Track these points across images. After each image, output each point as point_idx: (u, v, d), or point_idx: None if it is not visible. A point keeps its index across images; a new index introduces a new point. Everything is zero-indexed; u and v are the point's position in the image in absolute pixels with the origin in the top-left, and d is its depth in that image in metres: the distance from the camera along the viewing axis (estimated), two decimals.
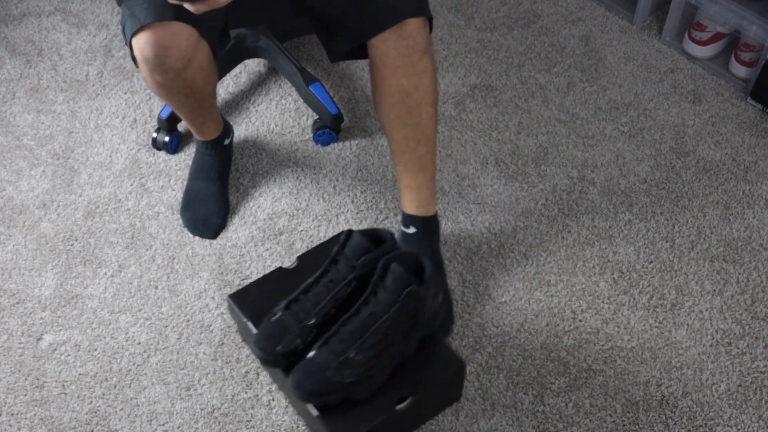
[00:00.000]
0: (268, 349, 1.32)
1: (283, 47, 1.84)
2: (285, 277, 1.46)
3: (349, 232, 1.35)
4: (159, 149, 1.79)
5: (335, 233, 1.66)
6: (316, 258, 1.46)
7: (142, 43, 1.34)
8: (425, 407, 1.37)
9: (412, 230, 1.52)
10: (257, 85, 1.95)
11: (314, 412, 1.29)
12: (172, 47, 1.34)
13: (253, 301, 1.43)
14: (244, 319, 1.41)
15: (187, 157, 1.79)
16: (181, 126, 1.83)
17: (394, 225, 1.68)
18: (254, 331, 1.37)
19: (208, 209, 1.68)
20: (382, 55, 1.37)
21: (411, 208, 1.51)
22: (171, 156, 1.79)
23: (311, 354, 1.29)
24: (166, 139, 1.77)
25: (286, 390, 1.40)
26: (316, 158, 1.80)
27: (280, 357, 1.33)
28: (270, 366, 1.36)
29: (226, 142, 1.72)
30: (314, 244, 1.64)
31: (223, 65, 1.83)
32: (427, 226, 1.52)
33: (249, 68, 1.97)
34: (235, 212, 1.70)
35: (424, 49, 1.38)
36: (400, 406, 1.31)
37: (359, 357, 1.27)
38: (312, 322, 1.32)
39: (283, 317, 1.34)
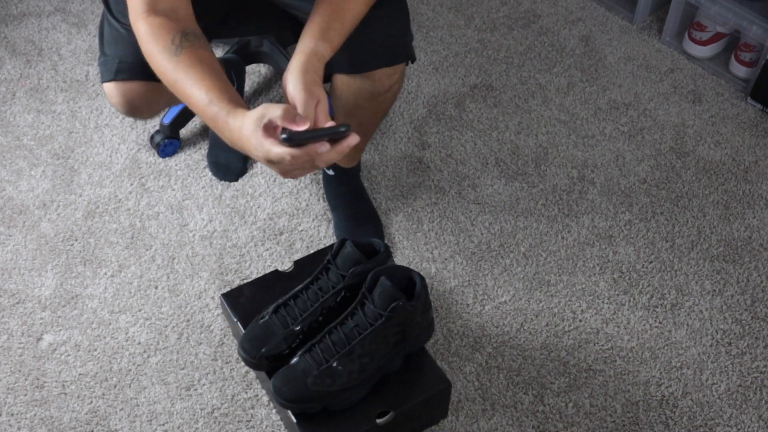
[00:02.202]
0: (252, 351, 1.32)
1: (285, 52, 1.84)
2: (279, 281, 1.46)
3: (343, 240, 1.35)
4: (154, 147, 1.78)
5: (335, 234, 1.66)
6: (312, 263, 1.46)
7: (111, 94, 1.36)
8: (407, 423, 1.36)
9: (330, 171, 1.66)
10: (261, 89, 1.95)
11: (293, 418, 1.29)
12: (140, 106, 1.37)
13: (244, 301, 1.44)
14: (234, 319, 1.41)
15: (187, 157, 1.79)
16: (185, 131, 1.82)
17: (395, 227, 1.68)
18: (243, 331, 1.38)
19: (230, 155, 1.75)
20: (345, 85, 1.41)
21: None
22: (171, 156, 1.79)
23: (294, 360, 1.30)
24: (162, 142, 1.76)
25: (269, 392, 1.40)
26: None
27: (264, 360, 1.33)
28: (253, 368, 1.37)
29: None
30: (314, 245, 1.64)
31: None
32: (344, 171, 1.66)
33: (252, 71, 1.97)
34: (235, 212, 1.70)
35: (389, 88, 1.41)
36: (380, 421, 1.30)
37: (341, 368, 1.27)
38: (298, 328, 1.32)
39: (270, 321, 1.34)
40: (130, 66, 1.32)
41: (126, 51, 1.32)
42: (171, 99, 1.44)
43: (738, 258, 1.64)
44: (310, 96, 1.09)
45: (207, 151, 1.79)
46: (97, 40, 1.42)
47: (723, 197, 1.74)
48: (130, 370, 1.47)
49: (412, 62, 1.42)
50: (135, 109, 1.38)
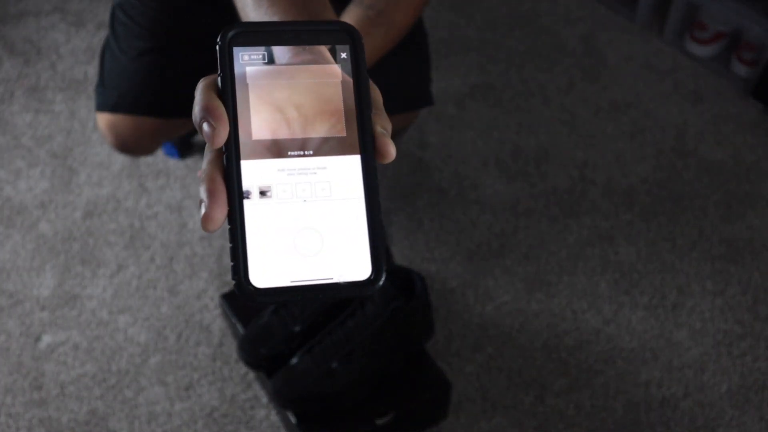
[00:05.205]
0: (251, 351, 1.32)
1: None
2: None
3: None
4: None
5: None
6: None
7: (104, 127, 1.33)
8: (407, 424, 1.35)
9: None
10: None
11: (293, 419, 1.29)
12: (133, 142, 1.34)
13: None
14: (234, 320, 1.41)
15: (186, 157, 1.79)
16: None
17: (395, 227, 1.68)
18: (242, 332, 1.37)
19: None
20: None
21: None
22: (170, 156, 1.79)
23: (294, 361, 1.29)
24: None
25: (269, 393, 1.40)
26: None
27: (263, 360, 1.32)
28: (253, 369, 1.36)
29: None
30: None
31: None
32: None
33: None
34: None
35: (403, 127, 1.39)
36: (380, 421, 1.30)
37: (341, 368, 1.27)
38: (297, 328, 1.32)
39: (269, 321, 1.33)
40: (130, 100, 1.30)
41: (127, 84, 1.30)
42: (168, 136, 1.43)
43: (739, 258, 1.63)
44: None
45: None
46: (97, 65, 1.39)
47: (724, 197, 1.73)
48: (129, 370, 1.47)
49: (430, 105, 1.39)
50: (127, 146, 1.35)
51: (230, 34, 0.47)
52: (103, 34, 2.04)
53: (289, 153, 0.46)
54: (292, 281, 0.45)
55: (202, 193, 0.46)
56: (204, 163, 0.47)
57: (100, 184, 1.74)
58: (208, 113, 0.46)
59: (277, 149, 0.47)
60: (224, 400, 1.43)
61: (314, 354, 1.28)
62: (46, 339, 1.51)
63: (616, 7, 2.13)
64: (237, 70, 0.47)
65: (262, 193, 0.46)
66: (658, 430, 1.41)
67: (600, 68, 2.00)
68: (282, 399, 1.27)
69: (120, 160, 1.78)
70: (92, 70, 1.95)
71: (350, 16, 1.14)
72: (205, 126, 0.46)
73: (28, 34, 2.04)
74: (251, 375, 1.46)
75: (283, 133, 0.47)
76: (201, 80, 0.48)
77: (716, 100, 1.93)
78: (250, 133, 0.46)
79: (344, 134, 0.47)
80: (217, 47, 0.48)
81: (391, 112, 1.46)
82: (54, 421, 1.41)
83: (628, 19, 2.11)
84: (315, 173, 0.47)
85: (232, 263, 0.46)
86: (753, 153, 1.82)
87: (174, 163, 1.77)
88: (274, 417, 1.41)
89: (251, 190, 0.46)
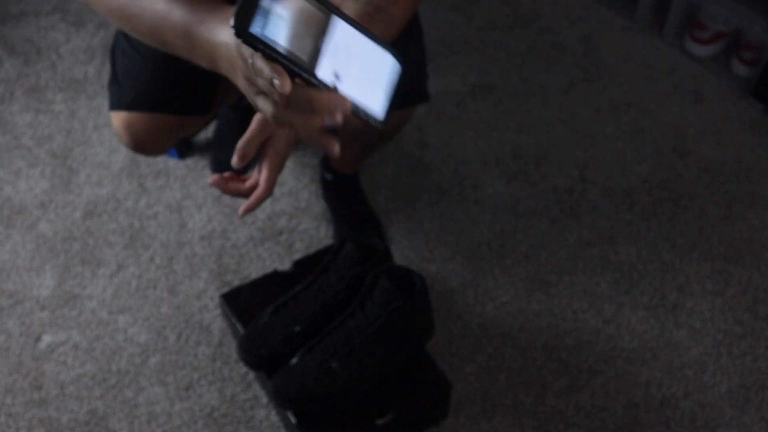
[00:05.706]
0: (251, 351, 1.32)
1: None
2: (279, 281, 1.46)
3: (343, 240, 1.34)
4: None
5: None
6: (312, 264, 1.45)
7: (121, 126, 1.32)
8: (407, 424, 1.35)
9: (329, 177, 1.66)
10: None
11: (293, 419, 1.29)
12: (146, 143, 1.33)
13: (244, 302, 1.43)
14: (233, 320, 1.41)
15: (186, 158, 1.79)
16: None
17: (394, 227, 1.68)
18: (242, 332, 1.37)
19: (232, 153, 1.71)
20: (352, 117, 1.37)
21: (333, 163, 1.64)
22: (169, 156, 1.79)
23: (293, 361, 1.29)
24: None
25: (269, 393, 1.40)
26: (316, 158, 1.79)
27: (263, 360, 1.32)
28: (253, 369, 1.36)
29: (244, 102, 1.69)
30: (314, 245, 1.64)
31: None
32: (343, 176, 1.65)
33: None
34: (234, 212, 1.69)
35: (399, 125, 1.38)
36: (380, 421, 1.30)
37: (341, 368, 1.26)
38: (297, 328, 1.32)
39: (269, 321, 1.33)
40: (147, 98, 1.29)
41: (142, 82, 1.30)
42: (182, 134, 1.43)
43: (739, 258, 1.63)
44: (260, 128, 1.01)
45: (210, 149, 1.78)
46: (108, 64, 1.38)
47: (724, 197, 1.73)
48: (129, 370, 1.47)
49: (426, 102, 1.37)
50: (143, 144, 1.35)
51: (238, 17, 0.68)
52: (104, 34, 2.04)
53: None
54: None
55: (268, 74, 0.70)
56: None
57: (100, 184, 1.74)
58: (275, 73, 0.69)
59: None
60: (224, 400, 1.43)
61: (314, 354, 1.28)
62: (46, 339, 1.51)
63: (616, 7, 2.13)
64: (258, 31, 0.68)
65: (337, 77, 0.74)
66: (658, 430, 1.41)
67: (600, 68, 1.99)
68: (282, 399, 1.27)
69: (120, 160, 1.78)
70: (92, 70, 1.95)
71: (347, 12, 1.13)
72: (276, 81, 0.69)
73: (28, 34, 2.04)
74: (251, 375, 1.46)
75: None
76: (254, 56, 0.70)
77: (716, 100, 1.93)
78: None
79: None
80: (240, 39, 0.68)
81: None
82: (54, 421, 1.41)
83: (628, 19, 2.11)
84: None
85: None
86: (753, 153, 1.82)
87: (174, 163, 1.77)
88: (274, 417, 1.41)
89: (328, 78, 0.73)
